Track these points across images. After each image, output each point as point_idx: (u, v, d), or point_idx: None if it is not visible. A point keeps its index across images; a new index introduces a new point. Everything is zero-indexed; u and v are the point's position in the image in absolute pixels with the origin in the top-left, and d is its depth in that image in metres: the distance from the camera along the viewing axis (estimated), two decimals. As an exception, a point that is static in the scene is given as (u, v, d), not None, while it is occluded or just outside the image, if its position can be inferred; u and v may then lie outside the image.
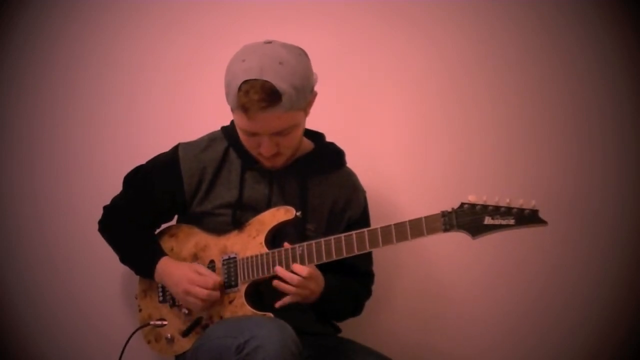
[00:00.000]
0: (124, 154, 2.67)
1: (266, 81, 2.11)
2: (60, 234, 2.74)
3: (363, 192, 2.43)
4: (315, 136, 2.39)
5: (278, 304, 2.18)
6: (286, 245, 2.19)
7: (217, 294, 2.25)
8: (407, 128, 2.71)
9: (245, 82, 2.12)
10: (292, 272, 2.16)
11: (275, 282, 2.17)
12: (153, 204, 2.38)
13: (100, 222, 2.47)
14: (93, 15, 2.75)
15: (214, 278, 2.25)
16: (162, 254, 2.34)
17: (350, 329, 2.45)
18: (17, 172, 2.76)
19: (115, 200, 2.45)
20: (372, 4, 2.69)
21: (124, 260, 2.42)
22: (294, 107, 2.15)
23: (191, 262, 2.32)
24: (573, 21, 2.64)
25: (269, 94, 2.10)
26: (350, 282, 2.36)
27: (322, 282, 2.21)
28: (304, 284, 2.16)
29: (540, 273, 2.65)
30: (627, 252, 2.62)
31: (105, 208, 2.46)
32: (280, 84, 2.11)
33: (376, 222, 2.24)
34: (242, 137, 2.25)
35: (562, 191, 2.62)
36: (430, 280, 2.69)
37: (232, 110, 2.21)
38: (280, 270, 2.18)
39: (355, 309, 2.43)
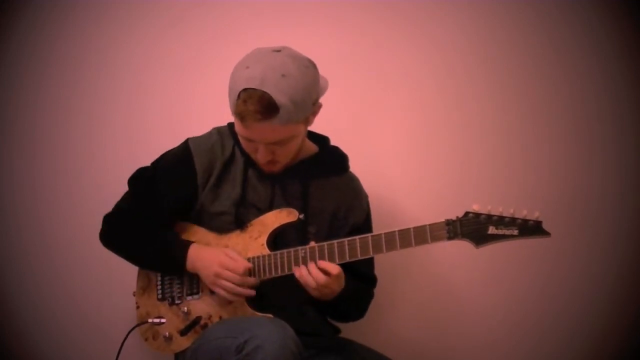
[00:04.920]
0: (124, 154, 2.68)
1: (265, 92, 2.08)
2: (59, 232, 2.74)
3: (366, 197, 2.41)
4: (320, 139, 2.38)
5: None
6: (312, 244, 2.17)
7: (253, 280, 2.20)
8: (410, 132, 2.71)
9: (245, 90, 2.10)
10: (320, 268, 2.14)
11: (298, 274, 2.15)
12: (168, 202, 2.30)
13: (106, 233, 2.35)
14: (94, 16, 2.75)
15: (244, 263, 2.20)
16: (189, 242, 2.27)
17: (351, 329, 2.45)
18: (17, 172, 2.76)
19: (120, 205, 2.34)
20: (378, 8, 2.68)
21: (145, 264, 2.33)
22: (291, 120, 2.12)
23: None
24: (574, 24, 2.64)
25: (266, 106, 2.08)
26: (361, 285, 2.35)
27: (343, 282, 2.19)
28: (329, 283, 2.14)
29: (541, 274, 2.65)
30: (627, 253, 2.63)
31: (109, 216, 2.35)
32: (279, 97, 2.08)
33: (379, 227, 2.25)
34: (240, 140, 2.24)
35: (562, 193, 2.63)
36: (430, 281, 2.70)
37: (232, 114, 2.19)
38: (312, 267, 2.14)
39: (361, 312, 2.42)
